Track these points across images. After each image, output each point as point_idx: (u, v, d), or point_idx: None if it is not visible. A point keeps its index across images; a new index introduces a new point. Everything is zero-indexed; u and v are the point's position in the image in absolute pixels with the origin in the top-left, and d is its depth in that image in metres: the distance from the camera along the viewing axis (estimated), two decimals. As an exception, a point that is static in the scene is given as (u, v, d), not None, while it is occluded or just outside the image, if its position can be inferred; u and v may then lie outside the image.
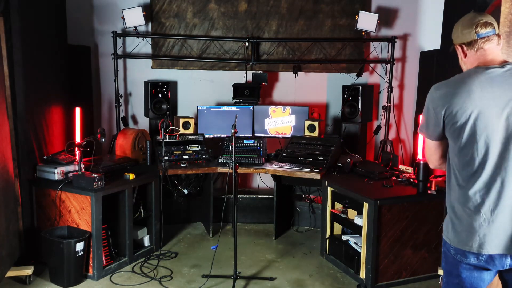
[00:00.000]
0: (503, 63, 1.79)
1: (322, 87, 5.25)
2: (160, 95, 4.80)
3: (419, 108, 4.57)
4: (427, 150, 2.02)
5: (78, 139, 4.21)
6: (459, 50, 1.90)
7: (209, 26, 5.09)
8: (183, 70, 5.18)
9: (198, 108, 4.82)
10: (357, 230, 3.61)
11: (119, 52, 4.92)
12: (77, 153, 3.71)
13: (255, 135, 4.83)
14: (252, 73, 4.95)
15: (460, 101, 1.74)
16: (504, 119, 1.72)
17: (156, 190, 4.04)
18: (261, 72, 4.98)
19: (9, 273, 3.35)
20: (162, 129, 4.28)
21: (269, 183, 5.01)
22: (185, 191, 4.70)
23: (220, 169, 4.34)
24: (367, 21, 4.60)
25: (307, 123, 4.72)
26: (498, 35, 1.82)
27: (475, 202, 1.78)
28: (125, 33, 4.87)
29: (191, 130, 4.73)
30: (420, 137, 4.15)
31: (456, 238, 1.85)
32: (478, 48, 1.83)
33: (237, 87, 4.85)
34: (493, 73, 1.76)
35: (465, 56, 1.87)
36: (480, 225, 1.77)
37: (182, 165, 4.29)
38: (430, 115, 1.87)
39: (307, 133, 4.70)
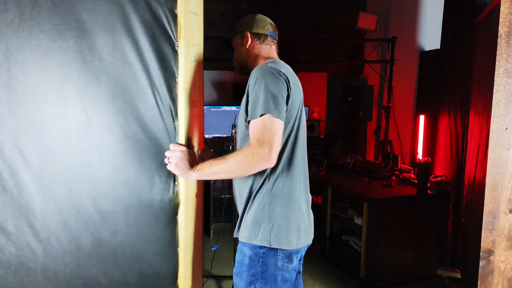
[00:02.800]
0: None
1: (322, 87, 5.24)
2: (160, 95, 4.80)
3: (419, 108, 4.57)
4: None
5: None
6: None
7: (209, 26, 5.09)
8: (183, 70, 5.18)
9: (198, 108, 4.82)
10: (357, 230, 3.61)
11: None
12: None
13: (255, 135, 4.83)
14: (252, 73, 4.94)
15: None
16: None
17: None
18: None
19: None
20: (162, 129, 4.28)
21: (269, 183, 5.01)
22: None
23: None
24: (367, 21, 4.60)
25: (307, 123, 4.72)
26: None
27: None
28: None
29: (191, 130, 4.74)
30: (420, 137, 4.15)
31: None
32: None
33: (237, 87, 4.85)
34: None
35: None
36: None
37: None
38: None
39: (307, 133, 4.70)
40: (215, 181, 4.94)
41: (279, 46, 2.11)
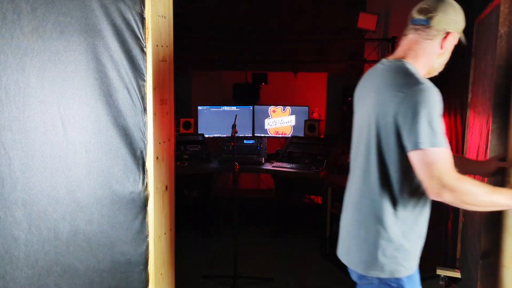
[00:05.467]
0: None
1: (322, 87, 5.25)
2: (160, 95, 4.80)
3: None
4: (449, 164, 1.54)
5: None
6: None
7: (209, 26, 5.09)
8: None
9: (198, 108, 4.82)
10: (357, 230, 3.61)
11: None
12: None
13: (255, 135, 4.83)
14: (252, 73, 4.95)
15: None
16: None
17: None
18: (261, 72, 4.99)
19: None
20: (162, 129, 4.29)
21: (269, 183, 5.02)
22: (185, 191, 4.70)
23: (220, 169, 4.34)
24: (367, 21, 4.61)
25: (307, 123, 4.72)
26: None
27: None
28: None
29: (191, 130, 4.74)
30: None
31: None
32: None
33: (237, 87, 4.85)
34: None
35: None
36: None
37: (183, 165, 4.29)
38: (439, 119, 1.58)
39: (307, 133, 4.70)
40: (215, 181, 4.95)
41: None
